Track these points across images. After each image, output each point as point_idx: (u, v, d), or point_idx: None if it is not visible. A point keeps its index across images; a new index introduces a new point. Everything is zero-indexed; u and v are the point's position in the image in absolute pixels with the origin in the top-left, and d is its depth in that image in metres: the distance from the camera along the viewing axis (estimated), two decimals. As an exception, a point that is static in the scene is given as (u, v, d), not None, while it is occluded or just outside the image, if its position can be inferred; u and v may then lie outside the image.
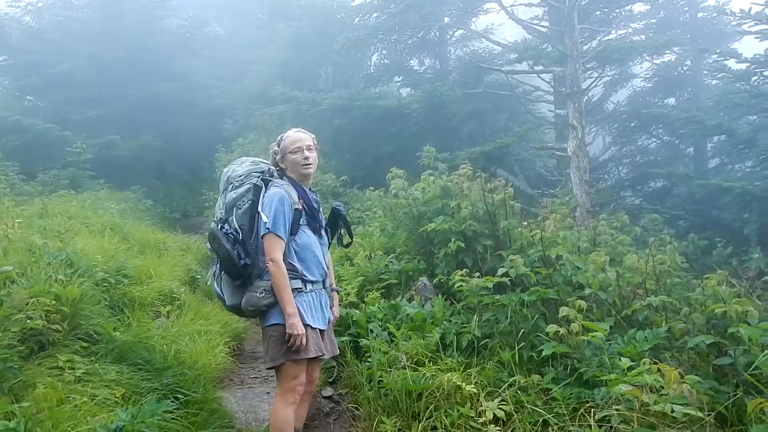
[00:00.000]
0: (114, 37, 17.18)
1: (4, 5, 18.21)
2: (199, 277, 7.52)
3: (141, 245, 7.76)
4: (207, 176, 14.03)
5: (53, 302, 3.93)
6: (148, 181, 15.42)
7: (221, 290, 3.22)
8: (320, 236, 3.28)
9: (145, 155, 16.35)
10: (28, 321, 3.52)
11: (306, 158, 3.18)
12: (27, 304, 3.65)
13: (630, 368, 3.08)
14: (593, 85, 12.77)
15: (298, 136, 3.22)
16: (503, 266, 4.43)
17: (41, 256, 4.82)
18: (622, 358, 3.20)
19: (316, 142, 3.28)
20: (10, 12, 18.33)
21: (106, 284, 5.04)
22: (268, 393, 4.62)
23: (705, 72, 13.61)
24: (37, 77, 16.78)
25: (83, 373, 3.60)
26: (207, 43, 20.25)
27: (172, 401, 3.65)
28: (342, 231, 3.54)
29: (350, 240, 3.61)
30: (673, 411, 2.72)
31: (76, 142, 13.69)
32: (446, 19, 15.27)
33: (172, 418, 3.39)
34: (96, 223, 7.84)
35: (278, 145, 3.26)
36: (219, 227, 3.16)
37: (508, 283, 4.35)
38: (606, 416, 3.04)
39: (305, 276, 3.11)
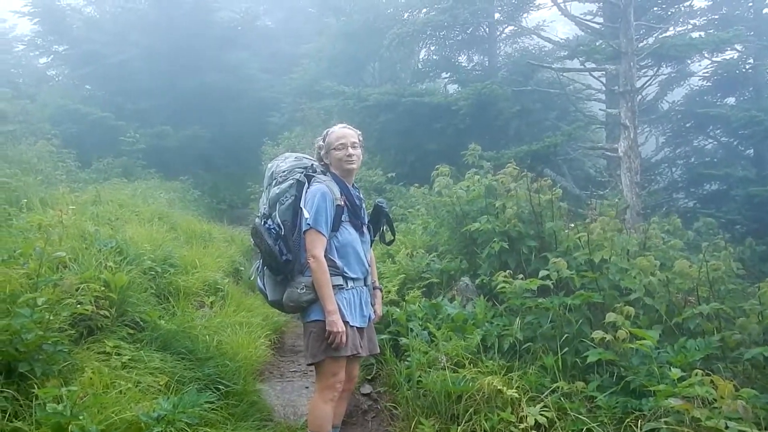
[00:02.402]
0: (167, 29, 17.63)
1: (68, -5, 18.89)
2: (242, 268, 7.62)
3: (187, 235, 7.91)
4: (253, 168, 14.23)
5: (102, 288, 4.02)
6: (196, 172, 15.76)
7: (263, 285, 3.23)
8: (362, 233, 3.25)
9: (193, 146, 16.72)
10: (78, 306, 3.61)
11: (349, 155, 3.15)
12: (77, 289, 3.74)
13: (681, 379, 2.96)
14: (648, 83, 12.36)
15: (343, 132, 3.20)
16: (547, 269, 4.33)
17: (93, 242, 4.94)
18: (672, 368, 3.07)
19: (361, 139, 3.26)
20: (72, 2, 19.00)
21: (152, 272, 5.14)
22: (307, 387, 4.64)
23: (769, 71, 13.01)
24: (96, 67, 17.32)
25: (129, 359, 3.67)
26: (257, 36, 20.51)
27: (212, 392, 3.71)
28: (384, 228, 3.51)
29: (393, 238, 3.57)
30: (727, 427, 2.60)
31: (129, 132, 14.11)
32: (497, 15, 15.06)
33: (212, 409, 3.43)
34: (145, 212, 8.03)
35: (323, 141, 3.25)
36: (262, 222, 3.18)
37: (551, 286, 4.23)
38: (654, 429, 2.92)
39: (346, 273, 3.10)
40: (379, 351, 3.51)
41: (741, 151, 13.24)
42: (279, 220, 3.14)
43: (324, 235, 3.02)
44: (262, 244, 3.08)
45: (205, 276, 6.05)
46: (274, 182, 3.24)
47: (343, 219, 3.13)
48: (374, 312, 3.35)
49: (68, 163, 11.32)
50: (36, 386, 2.84)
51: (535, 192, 5.49)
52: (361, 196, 3.34)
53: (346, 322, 3.00)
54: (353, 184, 3.29)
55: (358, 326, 3.12)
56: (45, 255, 3.71)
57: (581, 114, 13.05)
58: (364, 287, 3.23)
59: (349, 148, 3.16)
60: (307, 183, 3.15)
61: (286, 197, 3.16)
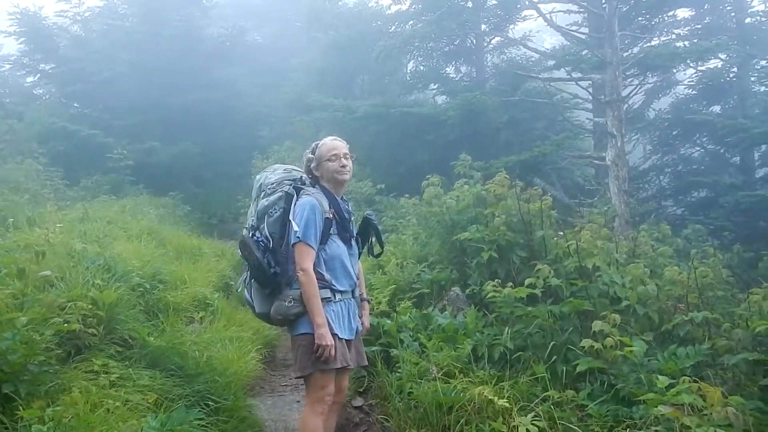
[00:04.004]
0: (156, 46, 17.63)
1: (53, 15, 18.88)
2: (232, 283, 7.58)
3: (177, 251, 7.87)
4: (243, 183, 14.20)
5: (90, 306, 3.99)
6: (186, 187, 15.71)
7: (251, 297, 3.21)
8: (350, 246, 3.24)
9: (183, 162, 16.66)
10: (65, 324, 3.57)
11: (343, 166, 3.16)
12: (63, 309, 3.71)
13: (669, 386, 2.96)
14: (634, 92, 12.48)
15: (335, 144, 3.19)
16: (536, 276, 4.33)
17: (80, 260, 4.91)
18: (659, 376, 3.08)
19: (350, 151, 3.26)
20: (59, 21, 18.99)
21: (141, 289, 5.09)
22: (298, 401, 4.61)
23: (753, 79, 13.14)
24: (83, 85, 17.31)
25: (117, 377, 3.62)
26: (246, 51, 20.56)
27: (202, 408, 3.67)
28: (373, 240, 3.50)
29: (381, 250, 3.56)
30: (717, 434, 2.61)
31: (117, 149, 14.05)
32: (483, 27, 15.16)
33: (202, 426, 3.40)
34: (134, 228, 7.99)
35: (312, 153, 3.23)
36: (250, 234, 3.16)
37: (539, 294, 4.23)
38: (644, 436, 2.92)
39: (334, 286, 3.08)
40: (366, 363, 3.50)
41: (727, 159, 13.36)
42: (267, 233, 3.13)
43: (313, 248, 3.01)
44: (250, 257, 3.06)
45: (194, 291, 6.01)
46: (262, 194, 3.22)
47: (331, 232, 3.12)
48: (362, 324, 3.33)
49: (56, 182, 11.26)
50: (21, 407, 2.80)
51: (525, 201, 5.51)
52: (350, 208, 3.33)
53: (334, 335, 2.98)
54: (342, 197, 3.28)
55: (347, 338, 3.11)
56: (30, 274, 3.68)
57: (569, 123, 13.15)
58: (352, 299, 3.22)
59: (342, 159, 3.16)
60: (296, 195, 3.13)
61: (275, 209, 3.14)
